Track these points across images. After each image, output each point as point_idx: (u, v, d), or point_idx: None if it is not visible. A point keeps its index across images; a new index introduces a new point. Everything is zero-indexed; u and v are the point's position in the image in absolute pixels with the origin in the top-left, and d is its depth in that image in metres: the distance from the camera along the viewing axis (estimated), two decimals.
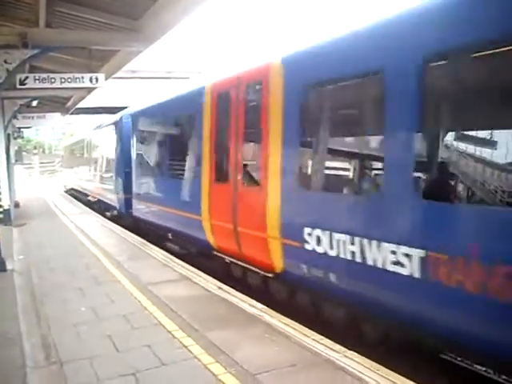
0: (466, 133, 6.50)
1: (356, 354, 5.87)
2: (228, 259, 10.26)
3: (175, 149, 13.37)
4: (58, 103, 27.00)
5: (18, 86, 13.30)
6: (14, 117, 23.80)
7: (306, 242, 7.35)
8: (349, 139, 8.61)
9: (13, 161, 26.48)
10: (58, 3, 11.46)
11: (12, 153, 26.13)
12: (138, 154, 16.54)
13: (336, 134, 8.23)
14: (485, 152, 6.28)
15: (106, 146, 22.70)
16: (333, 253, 6.83)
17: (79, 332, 6.81)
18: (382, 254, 5.98)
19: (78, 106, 27.52)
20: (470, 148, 6.35)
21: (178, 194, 12.28)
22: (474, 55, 5.26)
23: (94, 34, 12.47)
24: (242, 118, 9.35)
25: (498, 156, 6.23)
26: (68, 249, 13.33)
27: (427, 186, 6.13)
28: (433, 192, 5.76)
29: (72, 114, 31.59)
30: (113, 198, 20.53)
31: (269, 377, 5.24)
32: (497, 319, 4.86)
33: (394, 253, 5.82)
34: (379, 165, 7.13)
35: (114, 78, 19.07)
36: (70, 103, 26.81)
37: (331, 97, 7.79)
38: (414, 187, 5.81)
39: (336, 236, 6.78)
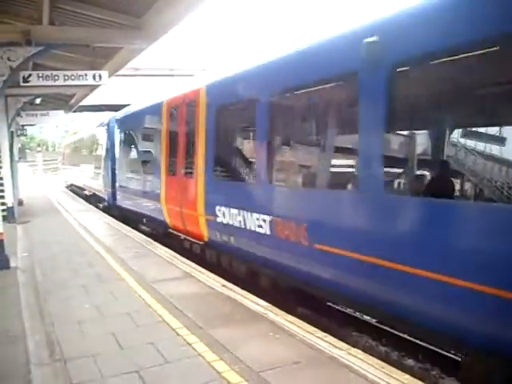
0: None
1: (360, 351, 5.87)
2: (183, 236, 12.75)
3: (144, 149, 16.63)
4: (62, 101, 27.00)
5: (22, 84, 13.30)
6: (18, 114, 23.80)
7: (217, 216, 10.21)
8: (236, 144, 11.31)
9: (16, 158, 26.51)
10: (61, 0, 11.44)
11: (15, 150, 26.17)
12: (119, 154, 20.04)
13: (232, 140, 11.27)
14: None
15: (99, 146, 25.69)
16: (230, 222, 9.76)
17: (83, 329, 6.82)
18: (253, 221, 8.90)
19: (82, 103, 27.50)
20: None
21: (146, 185, 15.70)
22: None
23: (97, 32, 12.46)
24: (183, 127, 12.40)
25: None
26: (71, 246, 13.34)
27: (270, 174, 8.78)
28: (271, 179, 8.76)
29: (75, 111, 31.63)
30: (103, 192, 23.60)
31: (273, 374, 5.23)
32: (306, 254, 7.59)
33: (258, 219, 8.76)
34: (243, 162, 10.57)
35: (117, 75, 19.03)
36: (73, 101, 26.81)
37: (230, 114, 10.68)
38: (265, 176, 8.77)
39: (231, 211, 9.71)
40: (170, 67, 32.43)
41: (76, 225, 17.81)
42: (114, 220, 19.23)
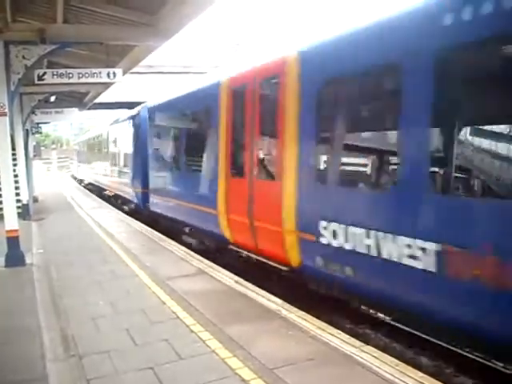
0: None
1: (373, 348, 5.85)
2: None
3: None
4: (76, 98, 27.11)
5: (36, 82, 13.37)
6: (33, 112, 23.94)
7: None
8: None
9: (31, 156, 26.68)
10: None
11: (30, 148, 26.34)
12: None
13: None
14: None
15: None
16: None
17: (98, 325, 6.88)
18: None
19: (96, 101, 27.61)
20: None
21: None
22: None
23: (111, 30, 12.47)
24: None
25: None
26: (86, 243, 13.43)
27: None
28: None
29: (89, 109, 31.71)
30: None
31: (286, 371, 5.23)
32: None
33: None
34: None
35: (132, 72, 19.07)
36: (87, 98, 26.91)
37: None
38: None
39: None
40: (185, 64, 32.39)
41: (90, 221, 17.91)
42: (127, 216, 19.30)
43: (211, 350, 5.86)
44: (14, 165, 17.06)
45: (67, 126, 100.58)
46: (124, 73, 15.31)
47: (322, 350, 5.80)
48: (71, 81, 13.58)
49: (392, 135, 7.04)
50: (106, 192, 28.52)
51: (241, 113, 10.00)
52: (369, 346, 5.90)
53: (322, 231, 7.33)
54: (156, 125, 16.56)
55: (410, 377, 5.01)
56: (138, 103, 22.02)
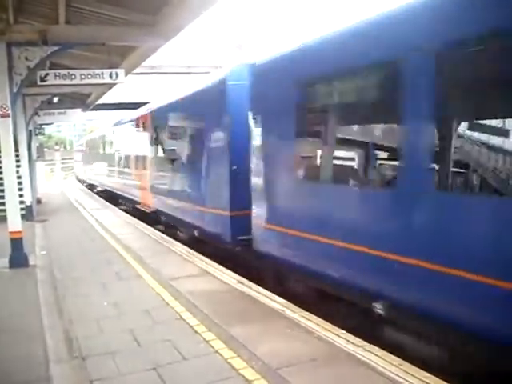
0: None
1: (377, 348, 5.82)
2: None
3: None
4: (79, 99, 27.13)
5: (39, 83, 13.37)
6: (36, 113, 24.00)
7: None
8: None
9: (34, 157, 26.72)
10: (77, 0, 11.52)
11: (34, 149, 26.38)
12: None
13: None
14: None
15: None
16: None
17: (101, 327, 6.87)
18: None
19: (99, 102, 27.65)
20: None
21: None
22: None
23: (113, 30, 12.48)
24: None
25: None
26: (89, 244, 13.44)
27: None
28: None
29: (92, 110, 31.76)
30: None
31: (290, 371, 5.21)
32: None
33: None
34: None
35: (134, 73, 19.07)
36: (90, 99, 26.94)
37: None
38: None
39: None
40: (187, 64, 32.45)
41: (94, 222, 17.91)
42: (130, 217, 19.29)
43: (215, 351, 5.84)
44: (18, 166, 17.08)
45: (70, 127, 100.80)
46: (126, 73, 15.29)
47: (326, 350, 5.78)
48: (74, 82, 13.58)
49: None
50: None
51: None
52: (372, 346, 5.87)
53: None
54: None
55: (415, 376, 4.98)
56: (142, 104, 21.98)
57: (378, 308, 6.30)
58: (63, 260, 11.45)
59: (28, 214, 18.25)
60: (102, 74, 13.57)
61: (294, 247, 8.23)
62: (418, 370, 5.18)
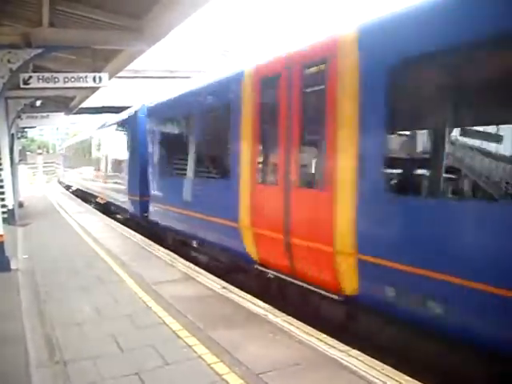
0: None
1: (359, 352, 5.85)
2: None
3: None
4: (62, 103, 27.00)
5: (22, 86, 13.32)
6: (18, 117, 23.85)
7: None
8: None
9: (17, 161, 26.53)
10: (60, 2, 11.40)
11: (16, 153, 26.19)
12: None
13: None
14: None
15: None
16: None
17: (83, 331, 6.82)
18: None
19: (82, 105, 27.50)
20: None
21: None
22: None
23: (97, 34, 12.45)
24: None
25: None
26: (72, 248, 13.36)
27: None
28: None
29: (76, 113, 31.60)
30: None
31: (273, 376, 5.22)
32: None
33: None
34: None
35: (117, 77, 19.01)
36: (73, 103, 26.80)
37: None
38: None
39: None
40: (171, 69, 32.39)
41: (76, 226, 17.81)
42: (113, 221, 19.22)
43: (198, 356, 5.83)
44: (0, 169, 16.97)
45: (53, 130, 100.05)
46: (110, 77, 15.29)
47: (308, 354, 5.80)
48: (57, 85, 13.55)
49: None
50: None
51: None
52: (355, 350, 5.91)
53: None
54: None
55: (396, 380, 5.02)
56: (125, 108, 21.89)
57: (195, 244, 12.37)
58: (46, 264, 11.36)
59: (10, 218, 18.09)
60: (86, 77, 13.56)
61: (165, 216, 14.18)
62: (399, 373, 5.23)
